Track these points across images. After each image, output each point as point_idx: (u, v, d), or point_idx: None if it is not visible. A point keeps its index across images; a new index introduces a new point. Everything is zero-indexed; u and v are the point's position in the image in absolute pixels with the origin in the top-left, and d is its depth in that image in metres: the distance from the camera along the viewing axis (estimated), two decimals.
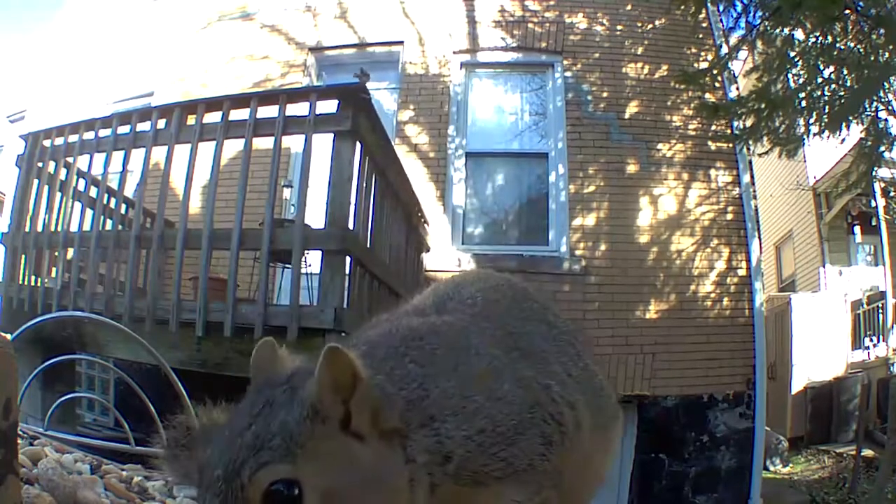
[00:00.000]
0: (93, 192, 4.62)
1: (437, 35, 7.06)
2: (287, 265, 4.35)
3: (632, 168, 6.62)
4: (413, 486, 0.84)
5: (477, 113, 7.11)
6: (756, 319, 6.21)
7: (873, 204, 9.95)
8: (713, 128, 6.53)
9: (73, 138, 4.62)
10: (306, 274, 4.39)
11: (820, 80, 5.17)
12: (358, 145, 3.68)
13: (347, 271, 3.59)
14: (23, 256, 4.64)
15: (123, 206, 4.76)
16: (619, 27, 7.07)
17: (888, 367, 8.80)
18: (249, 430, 0.79)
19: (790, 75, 5.42)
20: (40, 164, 4.76)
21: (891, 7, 4.87)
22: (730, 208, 6.53)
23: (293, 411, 0.79)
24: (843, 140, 5.37)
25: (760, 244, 6.63)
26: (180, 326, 3.65)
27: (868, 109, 5.24)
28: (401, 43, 7.12)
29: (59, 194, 4.69)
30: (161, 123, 4.15)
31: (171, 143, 4.03)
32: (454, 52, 7.03)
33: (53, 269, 4.61)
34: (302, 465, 0.76)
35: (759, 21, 5.37)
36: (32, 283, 4.52)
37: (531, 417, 0.94)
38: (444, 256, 6.27)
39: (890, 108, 5.29)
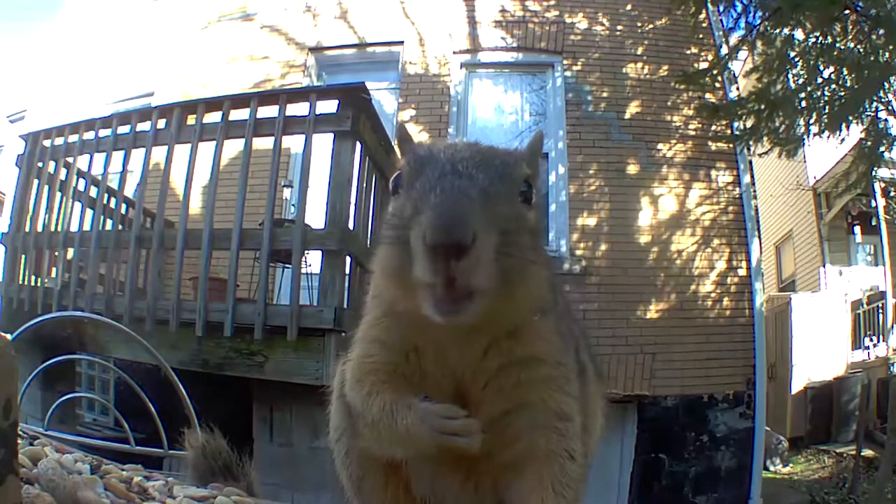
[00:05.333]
0: (93, 192, 4.63)
1: (438, 35, 7.06)
2: (287, 265, 4.35)
3: (632, 168, 6.61)
4: None
5: (477, 112, 7.11)
6: (756, 319, 6.21)
7: (873, 204, 9.95)
8: (713, 128, 6.52)
9: (73, 138, 4.63)
10: (306, 274, 4.39)
11: (820, 80, 5.17)
12: (358, 145, 3.69)
13: (347, 271, 3.60)
14: (23, 256, 4.64)
15: (123, 206, 4.76)
16: (619, 27, 7.06)
17: (888, 367, 8.80)
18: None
19: (790, 75, 5.42)
20: (40, 164, 4.76)
21: (891, 7, 4.86)
22: (730, 208, 6.52)
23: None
24: (843, 140, 5.36)
25: (760, 244, 6.62)
26: (180, 326, 3.66)
27: (868, 109, 5.24)
28: (401, 43, 7.12)
29: (59, 194, 4.69)
30: (161, 123, 4.16)
31: (171, 143, 4.03)
32: (454, 52, 7.03)
33: (53, 269, 4.62)
34: None
35: (759, 21, 5.37)
36: (32, 283, 4.52)
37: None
38: None
39: (890, 108, 5.28)
